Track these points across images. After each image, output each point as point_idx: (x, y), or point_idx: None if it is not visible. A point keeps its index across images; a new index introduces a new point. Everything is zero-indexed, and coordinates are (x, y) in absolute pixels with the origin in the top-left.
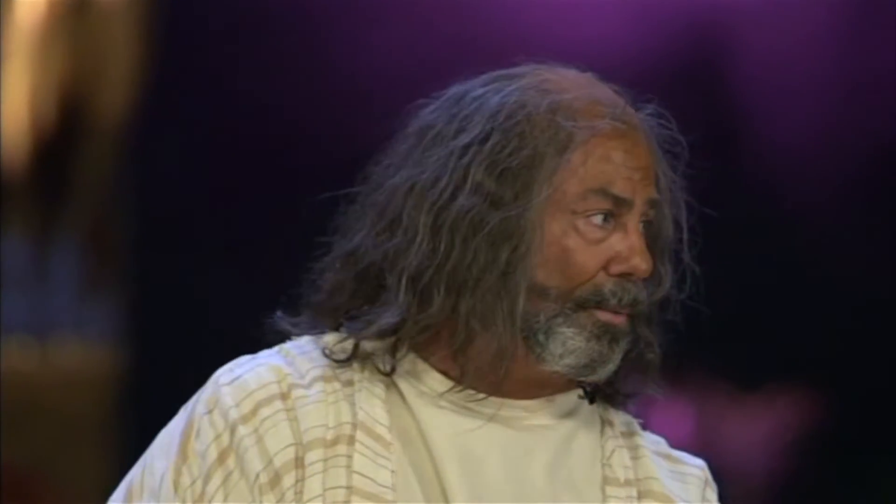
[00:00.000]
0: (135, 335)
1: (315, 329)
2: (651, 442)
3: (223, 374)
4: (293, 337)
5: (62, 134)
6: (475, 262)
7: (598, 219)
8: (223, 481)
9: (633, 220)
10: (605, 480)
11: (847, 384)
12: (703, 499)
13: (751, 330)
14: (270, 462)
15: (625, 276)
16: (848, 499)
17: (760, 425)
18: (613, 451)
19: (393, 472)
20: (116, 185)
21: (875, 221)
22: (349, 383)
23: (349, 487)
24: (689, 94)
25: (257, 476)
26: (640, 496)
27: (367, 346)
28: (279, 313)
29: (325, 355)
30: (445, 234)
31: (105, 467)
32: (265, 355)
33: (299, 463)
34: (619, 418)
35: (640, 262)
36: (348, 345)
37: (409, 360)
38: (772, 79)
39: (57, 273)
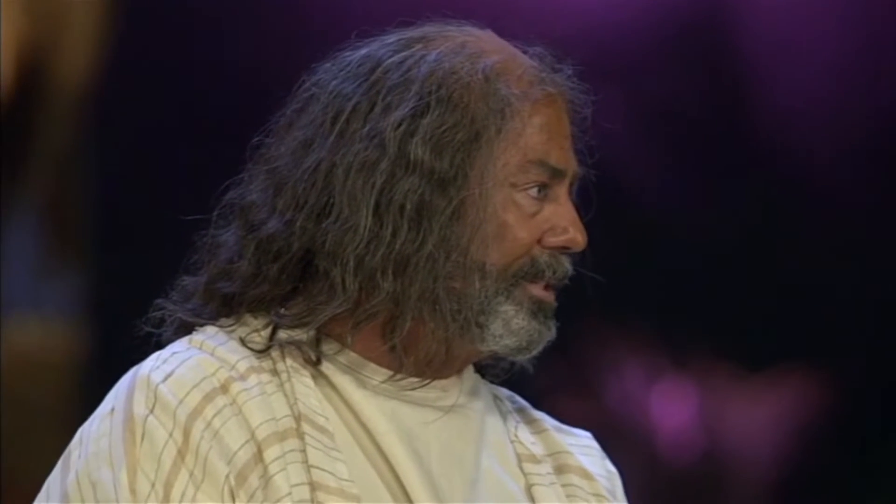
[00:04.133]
0: (97, 313)
1: (219, 317)
2: (540, 415)
3: (153, 373)
4: (197, 328)
5: (18, 103)
6: (423, 246)
7: (534, 191)
8: (187, 484)
9: (564, 192)
10: (520, 458)
11: (858, 364)
12: (607, 470)
13: (756, 306)
14: (233, 461)
15: (559, 249)
16: (858, 486)
17: (767, 408)
18: (517, 426)
19: (345, 462)
20: (77, 155)
21: (888, 190)
22: (275, 373)
23: (311, 483)
24: (694, 56)
25: (227, 477)
26: (557, 471)
27: (283, 333)
28: (165, 301)
29: (245, 346)
30: (390, 218)
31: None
32: (182, 349)
33: (259, 459)
34: (501, 392)
35: (578, 235)
36: (266, 333)
37: (331, 348)
38: (778, 39)
39: (13, 248)
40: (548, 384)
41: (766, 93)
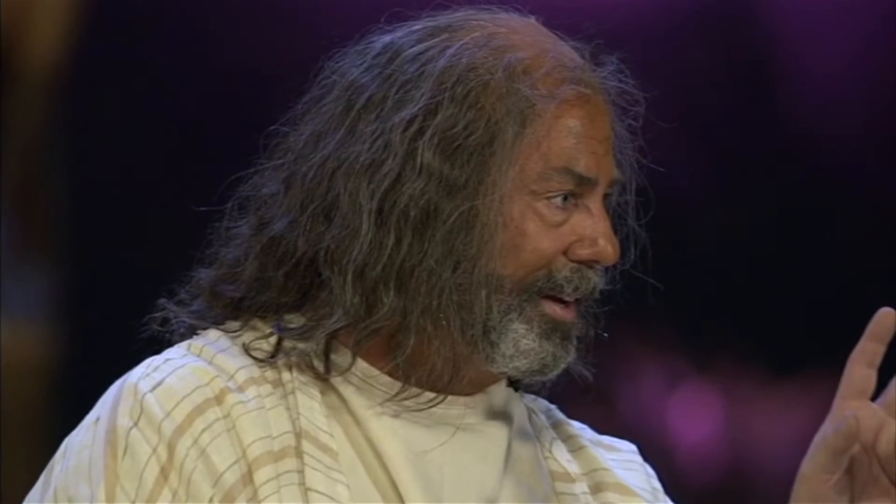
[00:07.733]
0: (70, 314)
1: (225, 319)
2: (579, 429)
3: (142, 381)
4: (199, 331)
5: None
6: (428, 257)
7: (558, 200)
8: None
9: (597, 201)
10: (553, 476)
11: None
12: (651, 486)
13: (785, 305)
14: (219, 482)
15: (587, 262)
16: None
17: (797, 417)
18: (552, 443)
19: (347, 486)
20: (48, 143)
21: None
22: (278, 385)
23: None
24: (719, 27)
25: (210, 500)
26: (594, 490)
27: (290, 342)
28: (167, 301)
29: (249, 353)
30: (392, 225)
31: (37, 466)
32: (177, 355)
33: (248, 480)
34: (537, 405)
35: (608, 248)
36: (273, 340)
37: (343, 359)
38: (806, 10)
39: None
40: (556, 390)
41: (795, 83)
